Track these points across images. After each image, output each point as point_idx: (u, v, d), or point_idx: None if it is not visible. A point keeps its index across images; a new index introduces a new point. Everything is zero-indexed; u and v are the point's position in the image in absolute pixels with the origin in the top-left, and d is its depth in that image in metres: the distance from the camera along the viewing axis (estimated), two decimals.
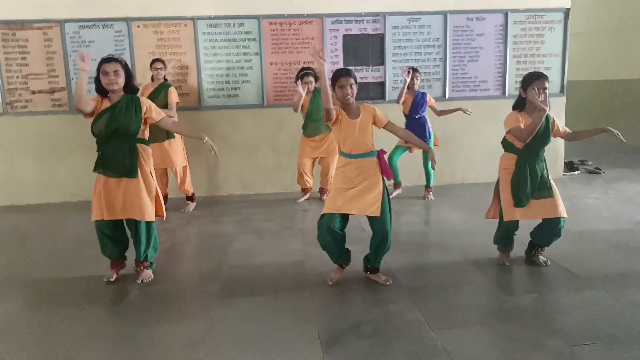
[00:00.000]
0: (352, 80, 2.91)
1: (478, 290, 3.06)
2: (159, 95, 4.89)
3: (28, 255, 3.98)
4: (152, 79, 5.04)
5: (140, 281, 3.26)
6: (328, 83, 2.84)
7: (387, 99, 5.92)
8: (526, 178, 3.16)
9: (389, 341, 2.47)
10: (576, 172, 6.58)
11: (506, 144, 3.32)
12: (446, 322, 2.64)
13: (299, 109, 5.08)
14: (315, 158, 5.35)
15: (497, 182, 3.38)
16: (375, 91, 5.93)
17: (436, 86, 5.99)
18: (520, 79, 5.84)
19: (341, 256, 3.14)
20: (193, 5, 5.64)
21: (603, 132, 3.19)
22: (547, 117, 3.17)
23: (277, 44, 5.78)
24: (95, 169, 3.15)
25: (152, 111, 3.19)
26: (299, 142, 5.90)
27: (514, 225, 3.34)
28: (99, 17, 5.57)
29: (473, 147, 6.09)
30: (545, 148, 3.25)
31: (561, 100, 6.09)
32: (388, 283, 3.11)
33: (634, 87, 9.06)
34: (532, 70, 3.24)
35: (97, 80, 3.06)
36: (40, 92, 5.68)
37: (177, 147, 4.97)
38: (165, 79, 5.03)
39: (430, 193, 5.39)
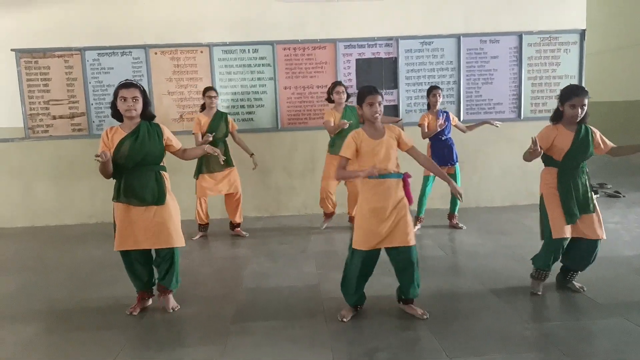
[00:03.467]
0: (380, 98, 2.87)
1: (496, 317, 2.99)
2: (219, 124, 4.83)
3: (46, 277, 4.01)
4: (203, 108, 4.92)
5: (171, 310, 3.18)
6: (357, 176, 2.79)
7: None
8: (571, 192, 3.08)
9: None
10: (595, 196, 6.45)
11: (545, 158, 3.23)
12: (464, 350, 2.58)
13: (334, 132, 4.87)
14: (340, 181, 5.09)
15: (541, 199, 3.26)
16: (389, 114, 5.94)
17: (450, 109, 5.97)
18: (536, 100, 5.98)
19: (360, 297, 3.03)
20: (208, 32, 5.78)
21: None
22: (587, 129, 3.12)
23: (290, 68, 5.87)
24: (117, 199, 3.03)
25: (172, 139, 3.16)
26: (312, 165, 5.94)
27: (563, 244, 3.17)
28: (118, 44, 5.74)
29: (487, 169, 6.04)
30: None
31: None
32: (425, 317, 2.94)
33: None
34: (572, 85, 3.16)
35: (114, 106, 3.00)
36: (60, 117, 5.83)
37: (236, 175, 4.97)
38: (217, 107, 4.94)
39: (455, 220, 5.11)
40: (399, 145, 2.96)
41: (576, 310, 3.05)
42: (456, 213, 5.11)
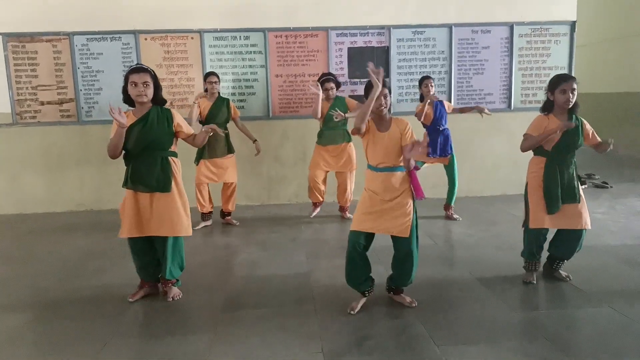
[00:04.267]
0: (387, 91, 2.83)
1: (484, 305, 3.03)
2: (221, 109, 4.78)
3: (34, 266, 3.99)
4: (205, 90, 4.81)
5: (170, 299, 3.16)
6: (370, 106, 2.72)
7: (391, 111, 5.90)
8: (557, 182, 3.12)
9: (393, 357, 2.44)
10: (583, 186, 6.52)
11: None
12: (451, 338, 2.62)
13: (318, 115, 4.85)
14: (328, 171, 5.12)
15: (526, 187, 3.31)
16: None
17: (441, 99, 5.97)
18: (526, 91, 6.01)
19: (365, 282, 2.97)
20: (200, 18, 5.71)
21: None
22: (579, 119, 3.16)
23: (282, 56, 5.83)
24: (125, 184, 3.01)
25: (183, 125, 3.10)
26: (303, 154, 5.93)
27: (542, 233, 3.24)
28: (107, 29, 5.65)
29: (478, 159, 6.08)
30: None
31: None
32: (414, 305, 2.98)
33: (638, 100, 9.04)
34: (559, 73, 3.20)
35: (125, 91, 2.96)
36: (49, 103, 5.75)
37: (235, 163, 4.93)
38: (219, 93, 4.88)
39: (451, 210, 5.10)
40: (401, 139, 2.88)
41: (562, 299, 3.10)
42: (452, 204, 5.10)
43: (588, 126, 3.22)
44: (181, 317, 2.98)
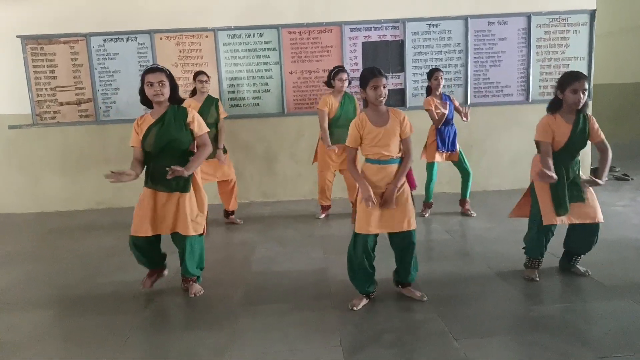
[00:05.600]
0: (385, 81, 2.75)
1: (503, 299, 3.00)
2: (209, 109, 4.70)
3: (57, 264, 4.08)
4: (194, 93, 4.81)
5: (192, 295, 3.19)
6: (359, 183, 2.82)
7: (407, 105, 5.90)
8: (563, 182, 3.06)
9: (412, 351, 2.44)
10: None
11: (539, 145, 3.19)
12: (470, 331, 2.60)
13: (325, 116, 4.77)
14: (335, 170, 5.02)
15: (531, 185, 3.24)
16: (396, 98, 5.91)
17: (458, 92, 5.93)
18: (545, 83, 5.91)
19: (371, 284, 2.96)
20: (214, 16, 5.74)
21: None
22: (585, 118, 3.07)
23: (296, 52, 5.83)
24: (146, 184, 3.06)
25: (195, 123, 3.07)
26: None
27: (551, 230, 3.18)
28: (123, 29, 5.72)
29: (495, 153, 6.01)
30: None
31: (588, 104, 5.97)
32: (424, 299, 2.96)
33: None
34: (570, 70, 3.10)
35: (142, 92, 2.98)
36: (67, 103, 5.85)
37: (230, 162, 4.88)
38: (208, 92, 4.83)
39: (467, 205, 5.01)
40: (400, 132, 2.86)
41: (582, 293, 3.06)
42: (468, 198, 5.00)
43: (595, 124, 3.10)
44: (201, 312, 3.02)
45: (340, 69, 4.80)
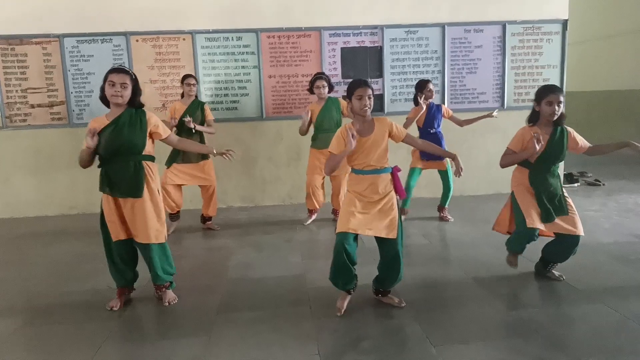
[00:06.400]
0: (370, 92, 2.78)
1: (480, 304, 3.03)
2: (195, 112, 4.66)
3: (26, 270, 3.94)
4: (182, 96, 4.79)
5: (167, 303, 3.12)
6: (342, 159, 2.78)
7: (385, 111, 5.93)
8: (540, 193, 3.11)
9: (389, 357, 2.43)
10: (576, 184, 6.58)
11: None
12: (448, 337, 2.61)
13: (304, 134, 4.81)
14: (324, 176, 4.99)
15: (512, 196, 3.28)
16: (374, 104, 5.91)
17: (435, 98, 5.97)
18: (519, 90, 6.03)
19: (351, 281, 2.93)
20: (191, 19, 5.67)
21: (625, 147, 3.10)
22: (564, 131, 3.13)
23: (275, 57, 5.81)
24: (101, 189, 2.94)
25: (159, 126, 3.02)
26: (296, 154, 5.91)
27: (535, 233, 3.17)
28: (98, 31, 5.60)
29: (472, 158, 6.08)
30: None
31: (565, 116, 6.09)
32: (402, 305, 2.97)
33: (628, 97, 9.11)
34: (546, 84, 3.18)
35: (102, 89, 2.89)
36: (39, 106, 5.69)
37: (211, 167, 4.78)
38: (195, 96, 4.81)
39: (445, 212, 5.05)
40: (392, 137, 2.89)
41: (556, 297, 3.11)
42: (446, 206, 5.05)
43: (573, 134, 3.17)
44: (176, 320, 2.95)
45: (318, 77, 4.82)
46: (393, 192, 2.89)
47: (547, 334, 2.60)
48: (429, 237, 4.49)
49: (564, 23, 6.01)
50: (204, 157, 4.72)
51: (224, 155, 3.22)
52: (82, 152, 2.87)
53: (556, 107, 3.02)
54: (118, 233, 2.99)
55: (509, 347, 2.49)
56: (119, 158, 2.90)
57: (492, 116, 4.98)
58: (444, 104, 5.95)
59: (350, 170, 2.92)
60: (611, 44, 9.64)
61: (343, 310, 2.92)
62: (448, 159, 4.82)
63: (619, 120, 9.21)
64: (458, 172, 3.02)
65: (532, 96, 6.11)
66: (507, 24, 5.93)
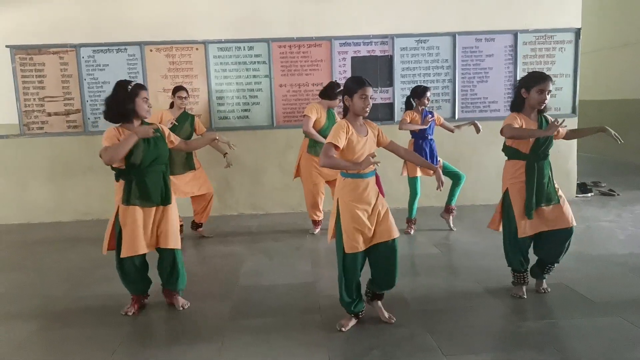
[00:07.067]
0: (371, 91, 2.71)
1: (491, 315, 3.01)
2: (183, 125, 4.69)
3: (42, 275, 4.00)
4: (171, 106, 4.78)
5: (181, 308, 3.19)
6: (346, 166, 2.66)
7: (395, 119, 5.94)
8: (533, 184, 3.04)
9: None
10: (589, 194, 6.47)
11: (509, 151, 3.19)
12: (459, 347, 2.60)
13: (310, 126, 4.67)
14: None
15: (505, 193, 3.23)
16: (384, 112, 5.97)
17: (445, 107, 6.00)
18: None
19: (360, 303, 2.86)
20: (204, 29, 5.76)
21: (600, 132, 3.15)
22: (546, 119, 3.10)
23: (286, 66, 5.86)
24: (129, 202, 2.94)
25: (171, 135, 3.22)
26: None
27: (526, 242, 3.16)
28: (113, 41, 5.71)
29: (483, 167, 6.06)
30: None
31: (573, 120, 6.05)
32: (392, 321, 2.89)
33: None
34: (535, 71, 3.10)
35: (123, 104, 2.90)
36: (55, 114, 5.80)
37: (197, 177, 4.74)
38: (184, 108, 4.80)
39: (450, 216, 4.96)
40: (378, 142, 2.84)
41: (570, 309, 3.06)
42: (453, 204, 4.92)
43: (551, 120, 3.09)
44: (188, 326, 2.98)
45: (340, 90, 4.66)
46: (379, 192, 2.84)
47: (560, 347, 2.57)
48: (440, 246, 4.47)
49: (577, 32, 5.98)
50: (190, 167, 4.67)
51: (228, 144, 3.69)
52: (126, 141, 2.82)
53: (546, 96, 2.99)
54: (142, 246, 3.00)
55: (522, 358, 2.47)
56: (152, 169, 3.01)
57: (477, 128, 4.77)
58: (455, 113, 5.97)
59: (340, 175, 2.78)
60: (624, 53, 9.56)
61: (346, 329, 2.82)
62: (441, 159, 4.81)
63: (632, 128, 9.11)
64: (439, 187, 2.94)
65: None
66: (519, 33, 5.92)
